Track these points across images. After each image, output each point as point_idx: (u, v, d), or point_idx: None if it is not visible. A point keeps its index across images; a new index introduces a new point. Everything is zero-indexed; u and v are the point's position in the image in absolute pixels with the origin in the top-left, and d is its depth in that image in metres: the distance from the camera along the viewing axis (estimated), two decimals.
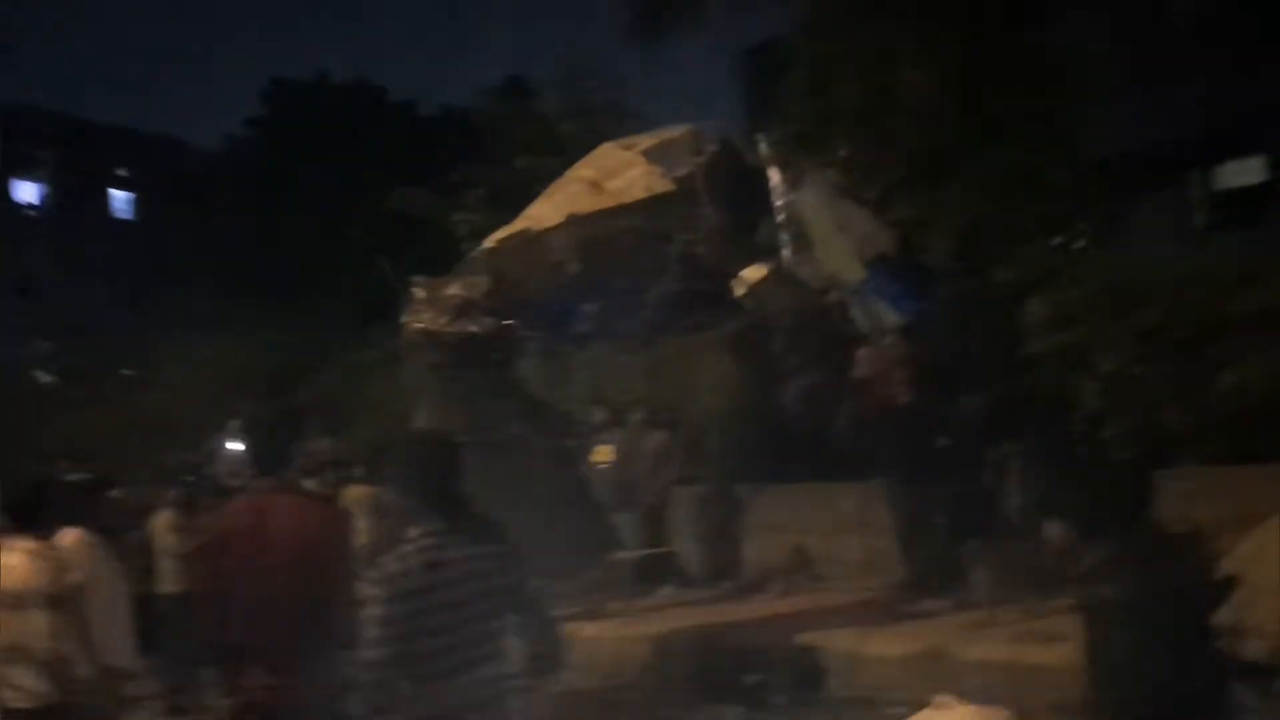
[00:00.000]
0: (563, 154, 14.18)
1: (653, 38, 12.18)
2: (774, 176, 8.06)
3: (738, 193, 8.18)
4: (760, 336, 8.76)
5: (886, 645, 7.27)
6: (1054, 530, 4.08)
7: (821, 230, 8.00)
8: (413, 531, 3.62)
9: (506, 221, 8.98)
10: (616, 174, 8.43)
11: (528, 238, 8.36)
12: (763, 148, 8.32)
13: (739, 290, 8.26)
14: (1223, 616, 3.52)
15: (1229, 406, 7.60)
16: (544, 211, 8.55)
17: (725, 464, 9.68)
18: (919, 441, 7.62)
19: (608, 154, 8.85)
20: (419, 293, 8.62)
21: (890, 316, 7.84)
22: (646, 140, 8.79)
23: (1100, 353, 8.03)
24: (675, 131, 8.77)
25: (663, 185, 8.14)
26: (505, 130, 15.85)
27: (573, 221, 8.20)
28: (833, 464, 8.78)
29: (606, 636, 8.00)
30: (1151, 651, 3.51)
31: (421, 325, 8.45)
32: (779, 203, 8.04)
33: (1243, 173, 13.94)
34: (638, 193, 8.19)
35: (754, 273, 8.14)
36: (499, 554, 3.69)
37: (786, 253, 7.98)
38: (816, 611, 8.23)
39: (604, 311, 8.61)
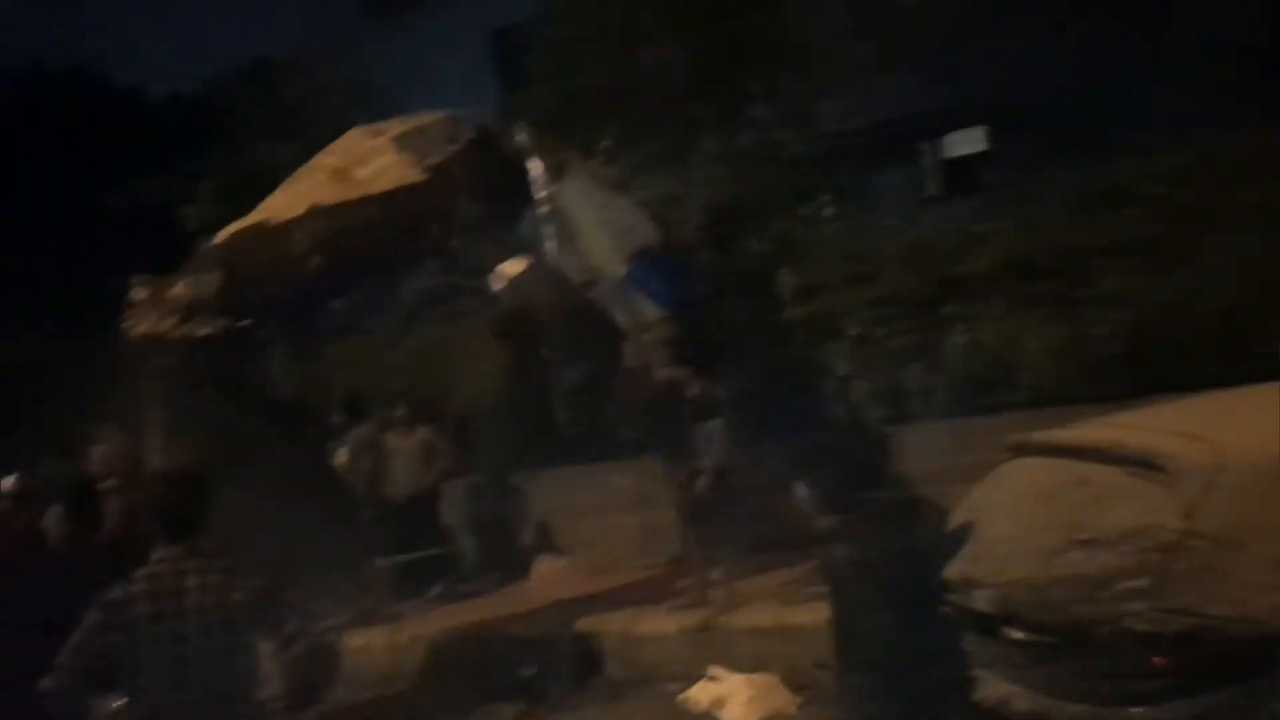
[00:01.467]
0: (304, 139, 13.50)
1: (394, 16, 11.74)
2: (534, 167, 7.82)
3: (495, 183, 7.89)
4: (522, 327, 8.59)
5: (661, 623, 7.32)
6: (800, 493, 4.14)
7: (584, 223, 7.83)
8: (154, 556, 3.59)
9: (243, 214, 8.39)
10: (364, 162, 7.97)
11: (265, 230, 7.80)
12: (521, 136, 8.05)
13: (497, 285, 8.02)
14: (953, 570, 3.64)
15: (962, 363, 8.03)
16: (284, 202, 7.98)
17: (496, 454, 9.47)
18: (685, 422, 7.67)
19: (355, 141, 8.33)
20: (139, 294, 7.93)
21: (652, 310, 7.78)
22: (397, 126, 8.33)
23: (846, 319, 8.32)
24: (428, 118, 8.36)
25: (415, 175, 7.72)
26: (242, 116, 14.91)
27: (316, 213, 7.70)
28: (606, 447, 8.75)
29: (377, 645, 7.69)
30: (886, 607, 3.60)
31: (144, 330, 7.78)
32: (540, 194, 7.82)
33: (967, 142, 14.87)
34: (387, 182, 7.75)
35: (512, 267, 7.93)
36: (240, 577, 3.63)
37: (550, 246, 7.79)
38: (593, 595, 8.18)
39: (352, 306, 8.18)
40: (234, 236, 7.93)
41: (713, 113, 8.97)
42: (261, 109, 15.10)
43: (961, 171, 14.30)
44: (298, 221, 7.72)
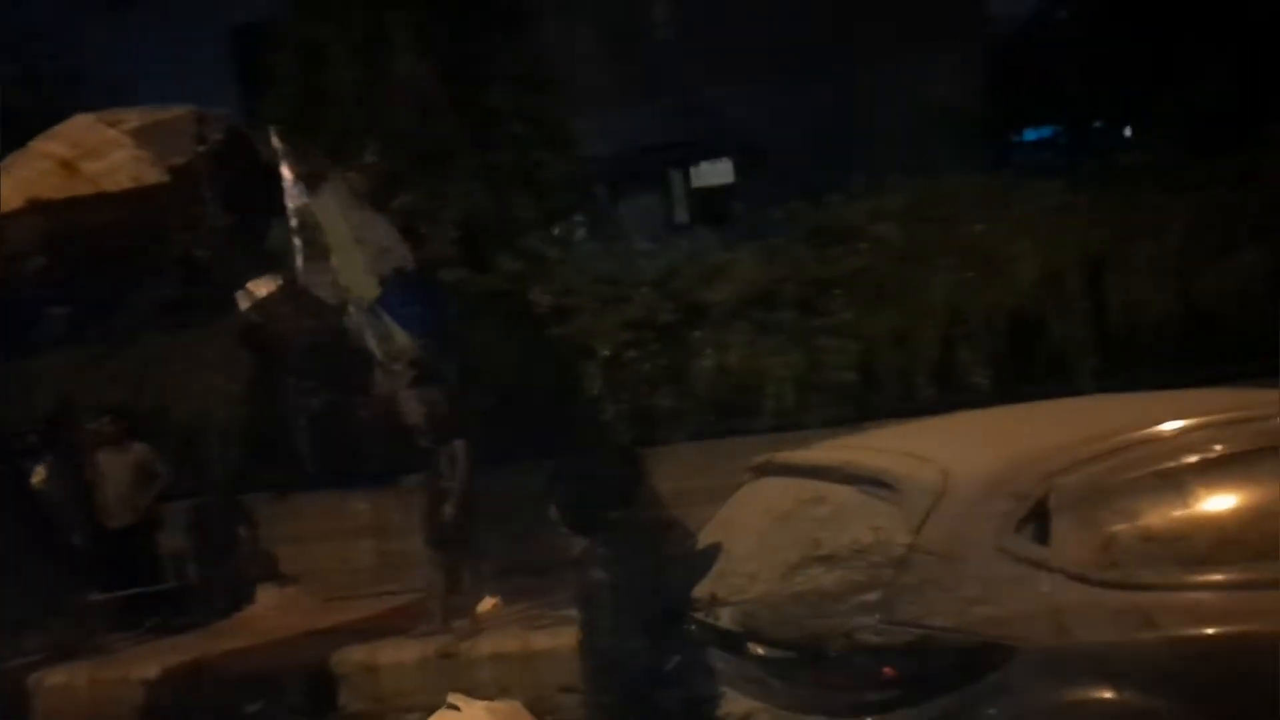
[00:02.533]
0: (12, 129, 12.28)
1: (119, 7, 10.87)
2: (287, 175, 7.32)
3: (247, 190, 7.33)
4: (266, 350, 8.08)
5: (399, 652, 7.09)
6: (554, 516, 4.09)
7: (338, 240, 7.42)
8: None
9: None
10: (97, 155, 7.12)
11: None
12: (275, 141, 7.52)
13: (244, 303, 7.47)
14: (700, 589, 3.68)
15: (710, 387, 8.28)
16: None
17: (224, 475, 8.89)
18: (432, 447, 7.47)
19: (85, 129, 7.38)
20: None
21: (402, 336, 7.50)
22: (136, 117, 7.48)
23: (597, 340, 8.39)
24: (172, 111, 7.62)
25: (155, 175, 6.97)
26: None
27: (37, 207, 6.85)
28: (345, 471, 8.42)
29: (79, 683, 7.02)
30: (634, 628, 3.60)
31: None
32: (292, 205, 7.32)
33: (714, 173, 15.47)
34: (124, 181, 6.94)
35: (262, 286, 7.40)
36: None
37: (299, 261, 7.32)
38: (327, 626, 7.83)
39: (76, 314, 7.36)
40: None
41: (467, 128, 8.85)
42: None
43: (710, 202, 14.88)
44: (15, 216, 6.85)
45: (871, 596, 3.28)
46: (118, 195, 6.92)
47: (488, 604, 7.47)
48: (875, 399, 7.76)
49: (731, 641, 3.58)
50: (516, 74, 9.26)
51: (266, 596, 8.82)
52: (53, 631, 7.59)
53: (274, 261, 7.58)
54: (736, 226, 11.37)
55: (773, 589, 3.51)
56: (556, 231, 9.54)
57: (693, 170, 15.50)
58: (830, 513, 3.61)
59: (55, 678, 7.13)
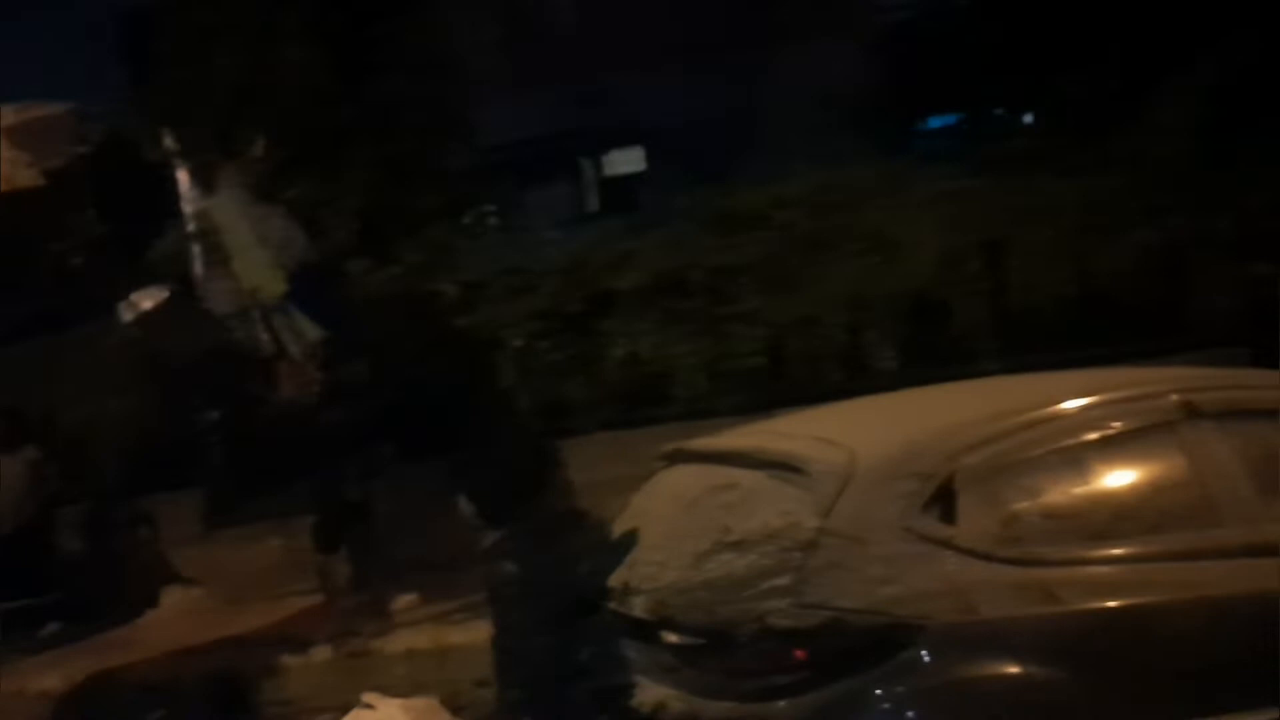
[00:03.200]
0: None
1: None
2: (183, 179, 7.05)
3: (129, 194, 7.04)
4: (152, 363, 7.80)
5: (310, 653, 6.94)
6: (463, 509, 4.03)
7: (239, 241, 7.19)
8: None
9: None
10: None
11: None
12: (168, 143, 7.23)
13: (128, 315, 7.19)
14: (614, 579, 3.66)
15: (621, 376, 8.28)
16: None
17: (117, 479, 8.59)
18: (350, 440, 7.35)
19: None
20: None
21: (313, 329, 7.32)
22: (10, 114, 7.15)
23: (507, 330, 8.33)
24: (49, 109, 7.28)
25: (28, 178, 6.66)
26: None
27: None
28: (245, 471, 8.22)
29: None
30: (545, 621, 3.57)
31: None
32: (189, 210, 7.06)
33: (625, 161, 15.45)
34: None
35: (147, 298, 7.13)
36: None
37: (198, 268, 7.06)
38: (232, 630, 7.63)
39: None
40: None
41: (363, 117, 8.68)
42: None
43: (618, 190, 14.85)
44: None
45: (781, 580, 3.29)
46: None
47: (403, 601, 7.38)
48: (783, 385, 7.84)
49: (644, 630, 3.57)
50: (414, 61, 9.10)
51: (170, 600, 8.55)
52: None
53: (159, 271, 7.30)
54: (645, 214, 11.37)
55: (684, 576, 3.51)
56: (464, 221, 9.43)
57: (603, 158, 15.46)
58: (740, 498, 3.61)
59: None
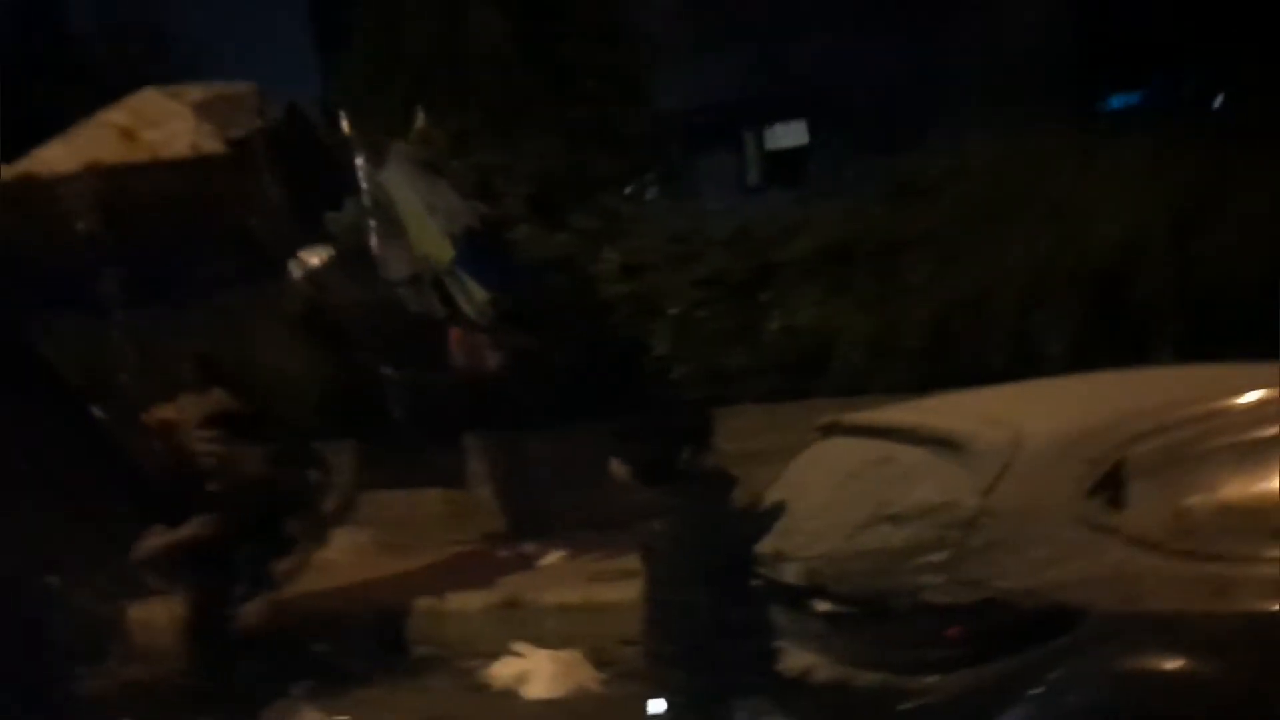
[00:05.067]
0: (91, 83, 12.52)
1: None
2: (358, 159, 7.41)
3: (304, 167, 7.39)
4: (319, 320, 8.22)
5: (468, 600, 7.22)
6: (617, 469, 4.12)
7: (410, 211, 7.51)
8: None
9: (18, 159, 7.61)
10: (157, 124, 7.16)
11: (32, 183, 6.94)
12: (344, 124, 7.61)
13: (296, 273, 7.59)
14: (765, 545, 3.70)
15: (779, 347, 8.23)
16: (58, 155, 7.07)
17: (300, 423, 9.08)
18: (515, 400, 7.62)
19: (149, 101, 7.41)
20: None
21: (480, 292, 7.61)
22: (198, 92, 7.58)
23: (667, 299, 8.38)
24: (235, 87, 7.69)
25: (212, 145, 7.00)
26: (19, 50, 13.59)
27: (94, 172, 6.90)
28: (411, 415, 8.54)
29: (159, 620, 7.25)
30: (698, 583, 3.63)
31: None
32: (365, 186, 7.42)
33: (788, 135, 15.29)
34: (181, 150, 6.96)
35: (314, 256, 7.52)
36: None
37: (374, 240, 7.41)
38: (398, 570, 7.99)
39: (131, 278, 7.44)
40: None
41: (540, 84, 8.85)
42: (45, 45, 13.81)
43: (784, 162, 14.69)
44: (72, 178, 6.93)
45: (938, 556, 3.27)
46: (174, 163, 6.97)
47: (556, 556, 7.62)
48: (948, 364, 7.62)
49: (795, 597, 3.59)
50: (592, 28, 9.22)
51: (339, 541, 9.01)
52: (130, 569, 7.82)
53: (329, 238, 7.66)
54: (814, 184, 11.19)
55: (838, 546, 3.51)
56: (629, 189, 9.52)
57: (766, 132, 15.34)
58: (899, 473, 3.59)
59: (139, 613, 7.36)
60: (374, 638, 7.05)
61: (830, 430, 4.19)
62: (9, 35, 14.36)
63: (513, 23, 8.67)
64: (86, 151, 7.01)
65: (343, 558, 8.76)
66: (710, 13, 13.62)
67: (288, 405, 8.94)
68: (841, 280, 8.16)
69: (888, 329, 7.89)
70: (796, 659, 3.54)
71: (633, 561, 4.15)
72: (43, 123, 10.32)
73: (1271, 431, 3.40)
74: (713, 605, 3.60)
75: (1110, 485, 3.31)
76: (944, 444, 3.54)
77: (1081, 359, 6.92)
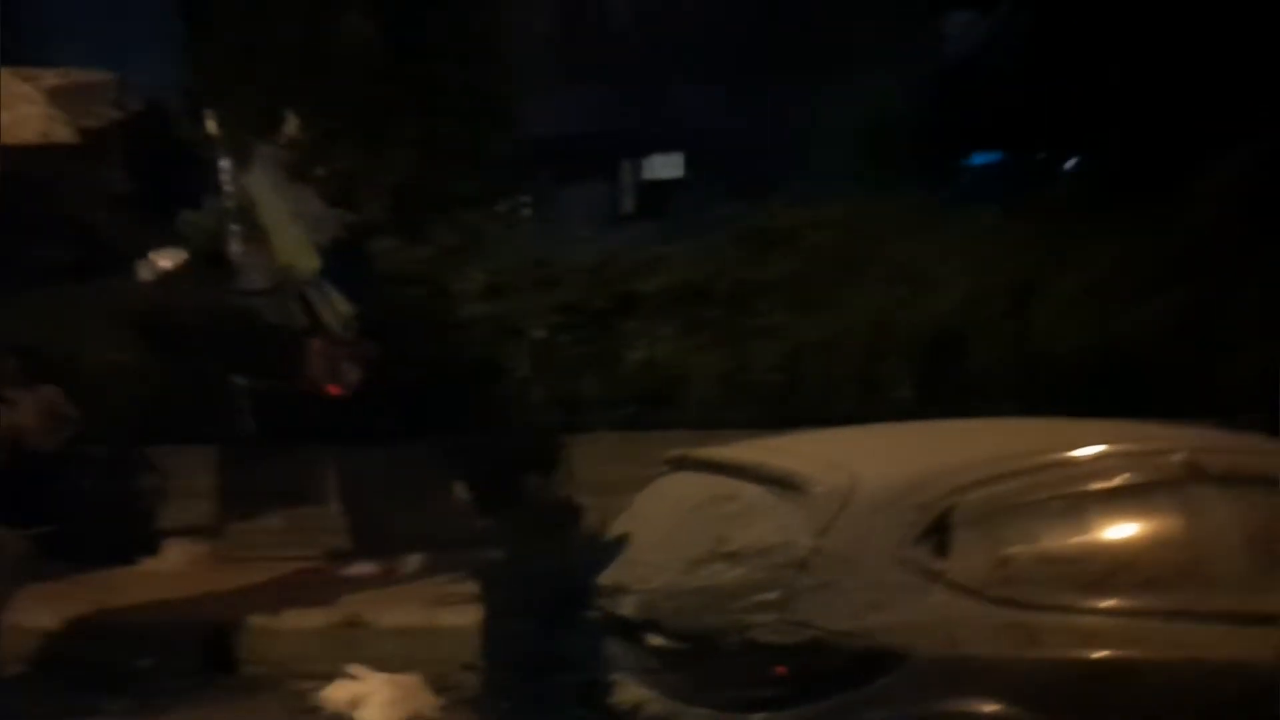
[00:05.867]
0: None
1: None
2: (222, 161, 7.21)
3: (161, 164, 7.17)
4: (163, 322, 7.96)
5: (304, 618, 6.99)
6: (459, 491, 4.08)
7: (274, 218, 7.37)
8: None
9: None
10: (6, 107, 6.95)
11: None
12: (210, 125, 7.39)
13: (146, 274, 7.34)
14: (606, 577, 3.70)
15: (637, 378, 8.30)
16: None
17: (132, 425, 8.70)
18: (367, 415, 7.47)
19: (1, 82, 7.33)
20: None
21: (345, 305, 7.48)
22: (53, 77, 7.32)
23: (528, 322, 8.37)
24: (93, 75, 7.46)
25: (63, 134, 6.78)
26: None
27: None
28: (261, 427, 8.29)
29: None
30: (533, 610, 3.61)
31: None
32: (228, 188, 7.22)
33: (666, 167, 15.51)
34: (29, 136, 6.72)
35: (166, 259, 7.28)
36: None
37: (234, 246, 7.20)
38: (235, 585, 7.70)
39: None
40: None
41: (408, 95, 8.76)
42: None
43: (657, 194, 14.89)
44: None
45: (770, 595, 3.33)
46: (21, 149, 6.72)
47: (402, 575, 7.49)
48: (798, 403, 7.83)
49: (630, 630, 3.60)
50: (464, 46, 9.18)
51: (171, 550, 8.64)
52: None
53: (193, 243, 7.45)
54: (679, 221, 11.41)
55: (675, 581, 3.54)
56: (498, 209, 9.48)
57: (643, 162, 15.53)
58: (739, 510, 3.64)
59: None
60: (201, 654, 6.77)
61: (679, 463, 4.23)
62: None
63: (382, 29, 8.56)
64: None
65: (175, 569, 8.41)
66: (590, 45, 13.78)
67: (120, 407, 8.57)
68: (700, 316, 8.31)
69: (742, 366, 8.07)
70: (629, 692, 3.55)
71: (477, 585, 4.11)
72: None
73: (1096, 486, 3.58)
74: (546, 635, 3.59)
75: (938, 531, 3.43)
76: (783, 484, 3.61)
77: (927, 403, 7.22)
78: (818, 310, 8.14)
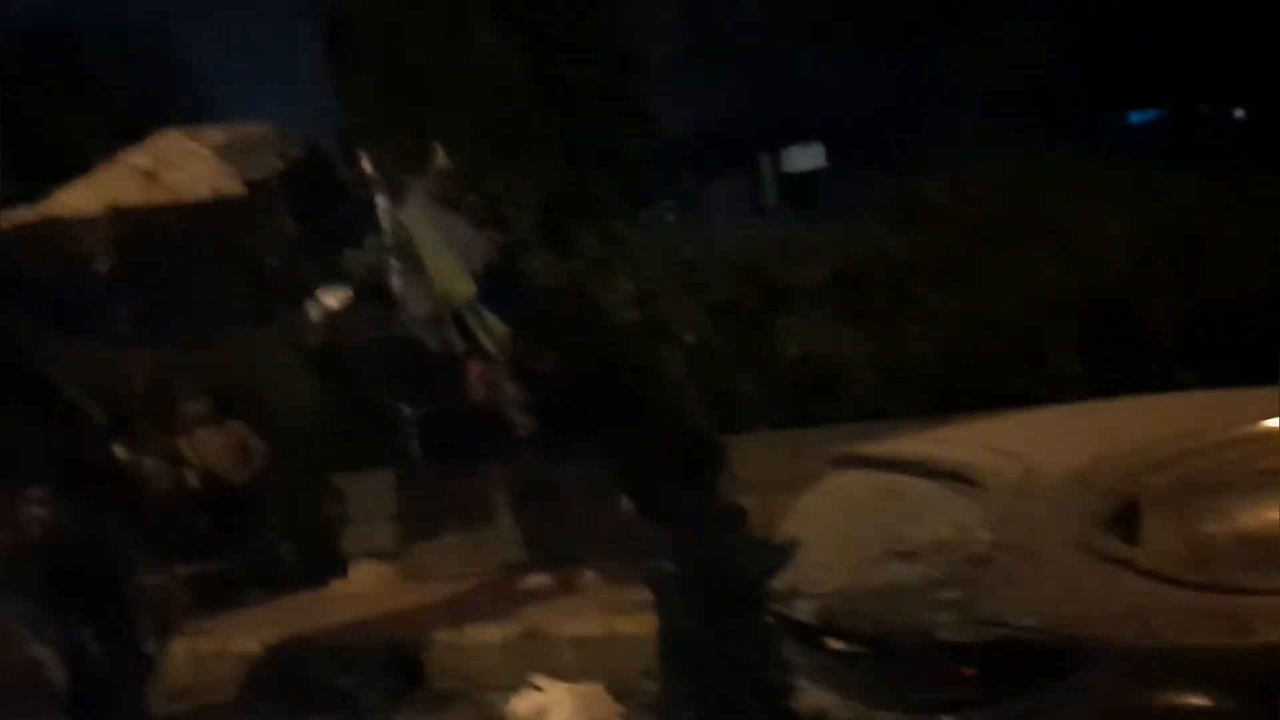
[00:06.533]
0: (107, 111, 12.71)
1: None
2: (379, 198, 7.51)
3: (323, 207, 7.52)
4: (336, 360, 8.35)
5: (486, 632, 7.20)
6: (627, 503, 4.11)
7: (430, 249, 7.64)
8: None
9: (35, 189, 7.73)
10: (178, 166, 7.32)
11: (55, 225, 7.06)
12: (365, 163, 7.72)
13: (314, 313, 7.71)
14: (778, 581, 3.68)
15: (792, 374, 8.20)
16: (80, 198, 7.20)
17: (312, 453, 9.15)
18: (531, 430, 7.69)
19: (171, 142, 7.55)
20: None
21: (500, 326, 7.70)
22: (220, 134, 7.75)
23: (679, 325, 8.37)
24: (255, 128, 7.85)
25: (232, 187, 7.12)
26: (33, 81, 13.82)
27: (115, 213, 7.08)
28: (429, 451, 8.59)
29: (179, 655, 7.27)
30: (707, 620, 3.61)
31: None
32: (385, 225, 7.53)
33: (805, 157, 15.30)
34: (201, 192, 7.10)
35: (332, 297, 7.62)
36: None
37: (396, 279, 7.52)
38: (421, 603, 8.00)
39: (147, 314, 7.58)
40: (18, 228, 7.19)
41: (545, 106, 8.89)
42: (59, 76, 14.03)
43: (799, 184, 14.70)
44: (94, 220, 7.08)
45: (951, 593, 3.24)
46: (193, 205, 7.10)
47: (579, 585, 7.65)
48: (962, 387, 7.58)
49: (807, 634, 3.57)
50: (597, 50, 9.25)
51: (358, 572, 9.04)
52: (154, 607, 7.86)
53: (346, 276, 7.76)
54: (825, 209, 11.21)
55: (850, 582, 3.49)
56: (640, 215, 9.52)
57: (783, 154, 15.34)
58: (910, 507, 3.56)
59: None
60: (394, 671, 7.05)
61: (843, 462, 4.17)
62: (21, 62, 14.53)
63: (516, 44, 8.70)
64: (108, 193, 7.11)
65: (363, 590, 8.80)
66: (722, 37, 13.66)
67: (302, 438, 9.01)
68: (853, 305, 8.13)
69: (899, 354, 7.85)
70: (810, 698, 3.52)
71: (650, 592, 4.14)
72: (56, 149, 10.45)
73: None
74: (724, 642, 3.59)
75: (1125, 517, 3.27)
76: (955, 477, 3.51)
77: (1099, 379, 6.89)
78: (976, 286, 7.81)
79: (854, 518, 3.76)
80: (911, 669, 3.27)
